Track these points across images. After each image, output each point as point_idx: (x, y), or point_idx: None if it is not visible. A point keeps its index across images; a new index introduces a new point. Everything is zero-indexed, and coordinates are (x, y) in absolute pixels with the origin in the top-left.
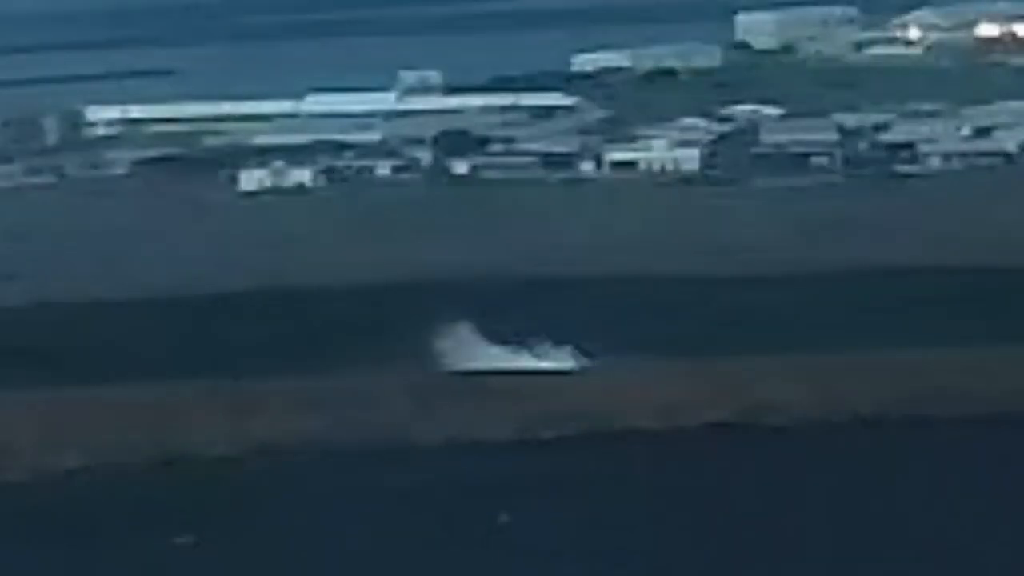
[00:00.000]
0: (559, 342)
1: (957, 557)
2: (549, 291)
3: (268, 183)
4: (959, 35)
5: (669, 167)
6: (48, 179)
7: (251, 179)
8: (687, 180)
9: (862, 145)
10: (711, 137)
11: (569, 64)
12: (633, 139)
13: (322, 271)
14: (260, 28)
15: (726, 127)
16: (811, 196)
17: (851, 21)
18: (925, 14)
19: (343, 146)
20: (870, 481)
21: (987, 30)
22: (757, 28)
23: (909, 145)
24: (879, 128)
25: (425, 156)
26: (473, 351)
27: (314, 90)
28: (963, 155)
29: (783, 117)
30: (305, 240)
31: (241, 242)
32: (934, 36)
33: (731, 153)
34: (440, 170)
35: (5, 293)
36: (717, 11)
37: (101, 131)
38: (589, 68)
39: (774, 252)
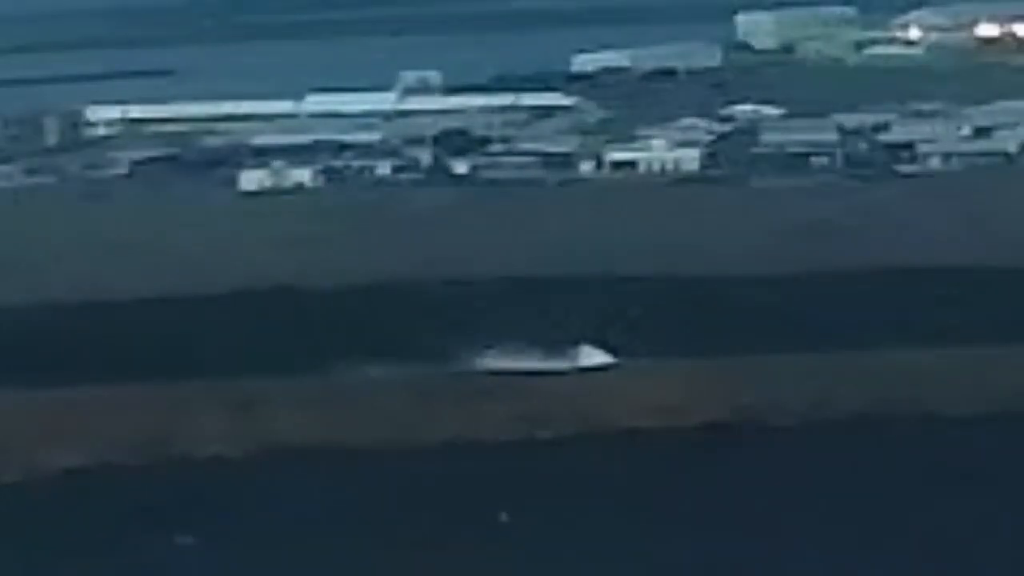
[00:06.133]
0: (559, 342)
1: (957, 556)
2: (549, 291)
3: (268, 183)
4: (959, 35)
5: (669, 167)
6: (48, 179)
7: (251, 179)
8: (687, 180)
9: (862, 145)
10: (711, 137)
11: (569, 64)
12: (633, 139)
13: (322, 271)
14: (260, 28)
15: (726, 127)
16: (811, 196)
17: (851, 21)
18: (925, 14)
19: (343, 146)
20: (870, 480)
21: (987, 30)
22: (757, 28)
23: (909, 145)
24: (879, 128)
25: (425, 156)
26: (473, 351)
27: (314, 90)
28: (963, 155)
29: (783, 117)
30: (305, 240)
31: (241, 242)
32: (934, 36)
33: (731, 153)
34: (440, 170)
35: (5, 293)
36: (717, 11)
37: (101, 131)
38: (589, 68)
39: (774, 252)
